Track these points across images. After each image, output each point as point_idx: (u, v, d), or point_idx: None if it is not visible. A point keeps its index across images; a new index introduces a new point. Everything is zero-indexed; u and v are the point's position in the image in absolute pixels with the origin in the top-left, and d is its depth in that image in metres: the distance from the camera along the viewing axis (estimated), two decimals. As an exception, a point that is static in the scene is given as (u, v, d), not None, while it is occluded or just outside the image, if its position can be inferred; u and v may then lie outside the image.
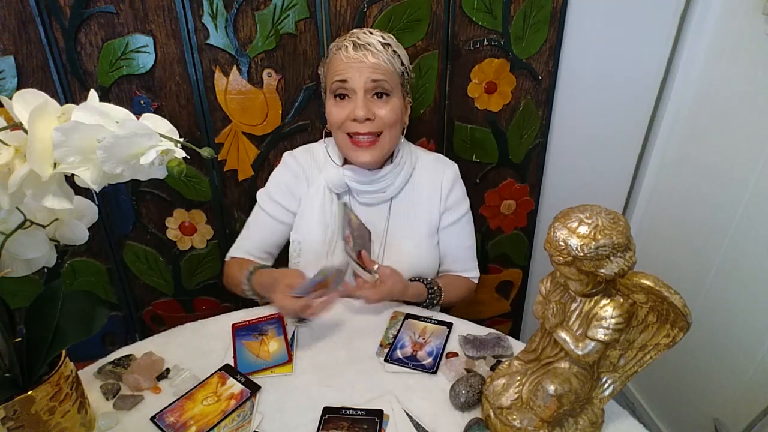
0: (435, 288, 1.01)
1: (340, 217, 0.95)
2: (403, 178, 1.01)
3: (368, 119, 0.91)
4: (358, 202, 1.03)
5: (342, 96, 0.93)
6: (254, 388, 0.75)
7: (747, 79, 1.10)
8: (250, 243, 1.06)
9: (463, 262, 1.11)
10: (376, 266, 0.92)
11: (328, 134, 1.02)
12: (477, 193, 1.36)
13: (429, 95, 1.22)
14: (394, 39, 0.95)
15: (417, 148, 1.08)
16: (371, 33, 0.92)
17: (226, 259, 1.07)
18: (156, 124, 0.49)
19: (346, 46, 0.90)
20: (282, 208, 1.04)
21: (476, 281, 1.13)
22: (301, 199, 1.03)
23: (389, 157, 1.01)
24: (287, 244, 1.08)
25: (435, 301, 1.01)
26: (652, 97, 1.30)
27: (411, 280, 0.99)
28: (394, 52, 0.92)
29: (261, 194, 1.06)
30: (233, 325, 0.88)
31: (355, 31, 0.94)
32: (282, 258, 1.10)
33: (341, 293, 0.89)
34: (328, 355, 0.84)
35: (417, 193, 1.04)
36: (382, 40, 0.91)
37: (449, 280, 1.09)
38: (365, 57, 0.89)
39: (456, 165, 1.07)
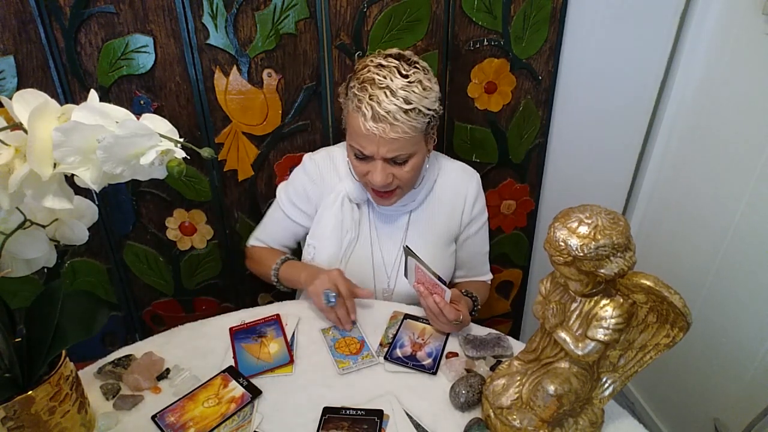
0: (476, 299, 1.02)
1: (408, 266, 0.89)
2: (425, 192, 1.01)
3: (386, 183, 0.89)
4: (377, 212, 1.02)
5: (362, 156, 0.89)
6: (255, 393, 0.74)
7: (747, 79, 1.10)
8: (268, 236, 1.11)
9: (480, 267, 1.15)
10: (447, 293, 0.85)
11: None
12: (477, 193, 1.36)
13: (429, 95, 1.21)
14: (420, 84, 0.83)
15: (440, 156, 1.06)
16: (394, 95, 0.81)
17: (247, 245, 1.14)
18: (156, 124, 0.49)
19: (365, 113, 0.82)
20: (299, 210, 1.05)
21: (490, 282, 1.18)
22: (317, 204, 1.02)
23: None
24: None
25: (476, 313, 1.02)
26: (652, 97, 1.30)
27: None
28: (419, 112, 0.83)
29: (280, 190, 1.07)
30: (231, 329, 0.88)
31: (375, 85, 0.82)
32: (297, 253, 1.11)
33: (425, 294, 0.85)
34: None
35: (438, 204, 1.03)
36: (405, 106, 0.81)
37: (475, 287, 1.11)
38: (384, 131, 0.82)
39: (478, 174, 1.06)
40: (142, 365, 0.78)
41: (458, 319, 0.83)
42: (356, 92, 0.84)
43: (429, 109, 0.86)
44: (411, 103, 0.82)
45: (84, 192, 0.53)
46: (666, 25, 1.20)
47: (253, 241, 1.13)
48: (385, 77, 0.82)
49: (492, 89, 1.23)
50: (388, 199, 0.94)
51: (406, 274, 0.90)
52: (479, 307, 1.04)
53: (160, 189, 1.21)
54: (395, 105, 0.81)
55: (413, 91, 0.83)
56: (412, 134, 0.84)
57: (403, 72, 0.83)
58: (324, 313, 0.89)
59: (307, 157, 1.04)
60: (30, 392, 0.58)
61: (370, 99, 0.82)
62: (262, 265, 1.07)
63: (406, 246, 0.86)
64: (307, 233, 1.06)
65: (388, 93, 0.81)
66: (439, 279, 0.82)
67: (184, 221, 1.25)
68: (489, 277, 1.17)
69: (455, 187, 1.03)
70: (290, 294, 1.14)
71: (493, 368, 0.79)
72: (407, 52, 0.89)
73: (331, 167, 1.02)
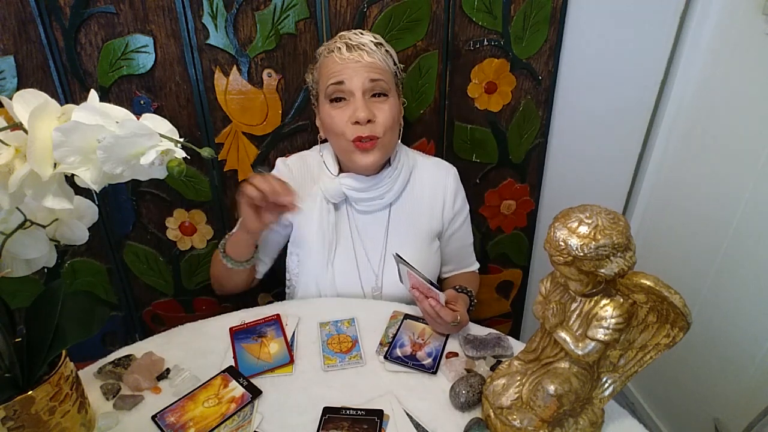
0: (471, 294, 1.02)
1: (401, 273, 0.89)
2: (402, 182, 1.00)
3: (369, 121, 0.89)
4: (357, 211, 1.01)
5: (339, 99, 0.91)
6: (255, 393, 0.74)
7: (747, 79, 1.10)
8: None
9: (467, 259, 1.16)
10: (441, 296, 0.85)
11: (323, 141, 1.01)
12: (477, 193, 1.36)
13: (429, 95, 1.22)
14: (383, 39, 0.95)
15: (414, 151, 1.08)
16: (362, 33, 0.92)
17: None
18: (156, 124, 0.49)
19: (339, 48, 0.89)
20: None
21: (478, 270, 1.19)
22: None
23: (386, 161, 1.00)
24: (283, 254, 1.08)
25: (473, 308, 1.02)
26: (652, 97, 1.30)
27: None
28: (387, 51, 0.92)
29: None
30: (231, 329, 0.88)
31: (343, 33, 0.93)
32: (280, 264, 1.10)
33: (420, 299, 0.84)
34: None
35: (417, 199, 1.03)
36: (374, 40, 0.91)
37: (466, 280, 1.12)
38: (360, 57, 0.88)
39: (455, 168, 1.07)
40: (142, 365, 0.78)
41: (456, 320, 0.83)
42: (326, 45, 0.93)
43: (395, 59, 0.95)
44: (379, 40, 0.92)
45: (84, 192, 0.53)
46: (666, 25, 1.20)
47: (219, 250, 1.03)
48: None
49: (492, 89, 1.23)
50: (373, 150, 0.91)
51: (401, 280, 0.90)
52: (475, 301, 1.04)
53: (160, 189, 1.21)
54: (366, 38, 0.90)
55: (378, 35, 0.93)
56: (385, 67, 0.91)
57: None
58: (265, 195, 0.81)
59: (280, 161, 1.04)
60: (30, 392, 0.57)
61: (341, 39, 0.91)
62: (214, 258, 1.02)
63: (396, 254, 0.86)
64: (280, 243, 1.06)
65: (357, 33, 0.92)
66: (431, 283, 0.82)
67: (184, 221, 1.25)
68: (476, 266, 1.18)
69: (433, 183, 1.03)
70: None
71: (493, 368, 0.79)
72: None
73: (304, 170, 1.02)
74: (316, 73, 0.94)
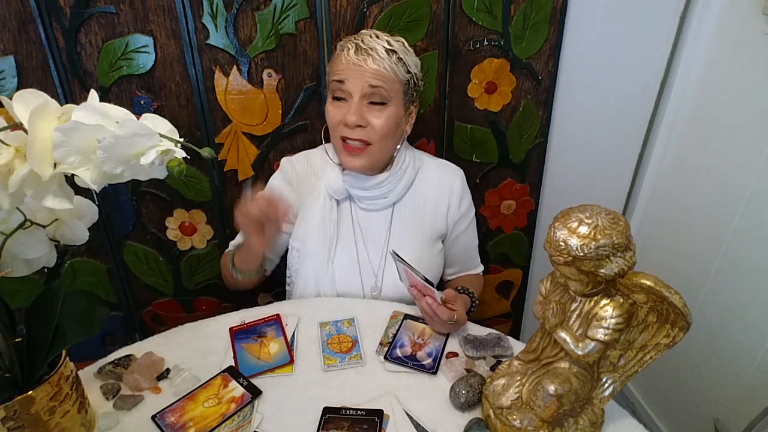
0: (473, 295, 1.02)
1: (399, 271, 0.90)
2: (405, 183, 1.00)
3: (360, 126, 0.90)
4: (360, 208, 1.02)
5: (339, 97, 0.92)
6: (255, 393, 0.74)
7: (747, 79, 1.10)
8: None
9: (472, 261, 1.16)
10: (437, 294, 0.85)
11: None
12: (477, 193, 1.36)
13: (429, 95, 1.22)
14: (403, 44, 0.93)
15: (421, 152, 1.07)
16: (378, 37, 0.90)
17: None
18: (156, 124, 0.49)
19: (349, 48, 0.89)
20: None
21: (482, 273, 1.19)
22: (296, 207, 1.02)
23: (389, 163, 1.00)
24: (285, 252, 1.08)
25: (474, 309, 1.02)
26: (652, 97, 1.30)
27: None
28: (399, 59, 0.90)
29: None
30: (231, 329, 0.88)
31: (363, 32, 0.93)
32: (280, 264, 1.10)
33: (418, 297, 0.85)
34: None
35: (421, 199, 1.03)
36: (387, 46, 0.89)
37: (469, 281, 1.12)
38: (365, 62, 0.87)
39: (462, 171, 1.07)
40: (142, 365, 0.78)
41: (452, 318, 0.83)
42: (343, 40, 0.93)
43: (409, 67, 0.92)
44: (393, 47, 0.90)
45: (84, 192, 0.53)
46: (666, 25, 1.20)
47: (228, 249, 1.09)
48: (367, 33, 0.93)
49: (492, 89, 1.23)
50: (359, 156, 0.93)
51: (401, 279, 0.90)
52: (477, 302, 1.03)
53: (160, 189, 1.21)
54: (379, 44, 0.89)
55: (396, 42, 0.92)
56: (392, 76, 0.89)
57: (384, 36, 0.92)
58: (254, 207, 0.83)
59: (285, 160, 1.05)
60: (30, 392, 0.57)
61: (355, 39, 0.91)
62: (224, 265, 1.03)
63: (393, 251, 0.86)
64: (286, 242, 1.05)
65: (372, 35, 0.91)
66: (426, 281, 0.82)
67: (184, 221, 1.25)
68: (481, 269, 1.18)
69: (439, 184, 1.03)
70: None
71: (493, 368, 0.79)
72: None
73: (308, 168, 1.03)
74: (329, 67, 0.96)
